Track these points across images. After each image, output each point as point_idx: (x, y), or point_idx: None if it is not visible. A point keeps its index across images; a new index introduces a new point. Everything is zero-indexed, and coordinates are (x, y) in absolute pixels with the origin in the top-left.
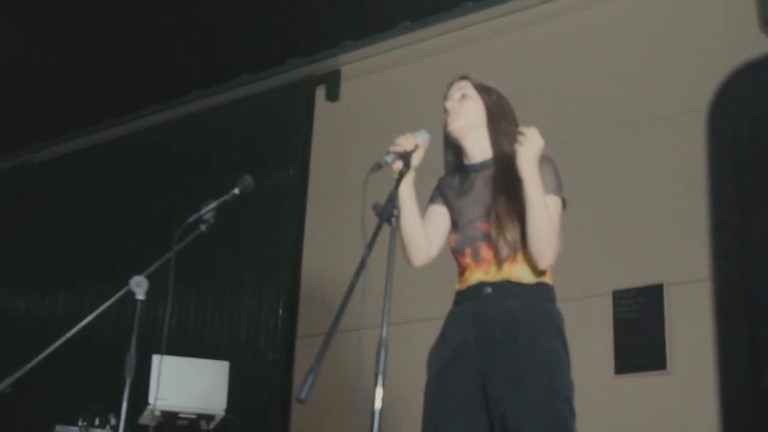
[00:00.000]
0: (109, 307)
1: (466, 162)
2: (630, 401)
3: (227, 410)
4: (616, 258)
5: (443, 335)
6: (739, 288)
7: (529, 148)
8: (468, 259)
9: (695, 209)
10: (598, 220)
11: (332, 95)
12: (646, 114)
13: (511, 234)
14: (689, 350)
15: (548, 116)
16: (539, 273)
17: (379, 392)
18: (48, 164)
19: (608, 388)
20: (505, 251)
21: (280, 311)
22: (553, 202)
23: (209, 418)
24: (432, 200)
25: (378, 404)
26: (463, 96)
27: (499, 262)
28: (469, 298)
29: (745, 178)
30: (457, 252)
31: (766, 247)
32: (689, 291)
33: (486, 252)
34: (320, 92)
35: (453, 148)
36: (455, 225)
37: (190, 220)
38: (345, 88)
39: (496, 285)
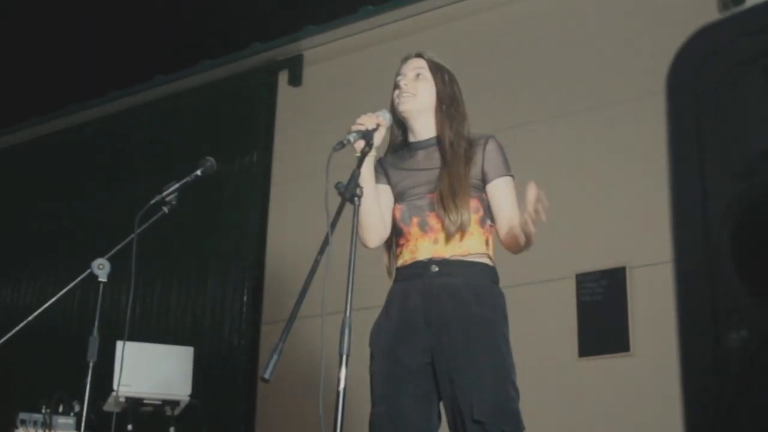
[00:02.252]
0: (73, 293)
1: (412, 139)
2: (594, 383)
3: (192, 396)
4: (578, 241)
5: (387, 311)
6: (698, 253)
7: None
8: (415, 229)
9: (657, 192)
10: (561, 204)
11: (295, 80)
12: (608, 97)
13: (455, 215)
14: (652, 332)
15: (510, 100)
16: (485, 246)
17: (342, 372)
18: (7, 151)
19: (572, 371)
20: (452, 228)
21: (245, 297)
22: (508, 181)
23: (174, 403)
24: (375, 180)
25: (342, 384)
26: (418, 76)
27: (449, 236)
28: (414, 275)
29: (706, 139)
30: (402, 222)
31: (726, 211)
32: (652, 273)
33: (434, 221)
34: (283, 77)
35: (400, 125)
36: (400, 197)
37: (153, 201)
38: (307, 72)
39: (442, 263)
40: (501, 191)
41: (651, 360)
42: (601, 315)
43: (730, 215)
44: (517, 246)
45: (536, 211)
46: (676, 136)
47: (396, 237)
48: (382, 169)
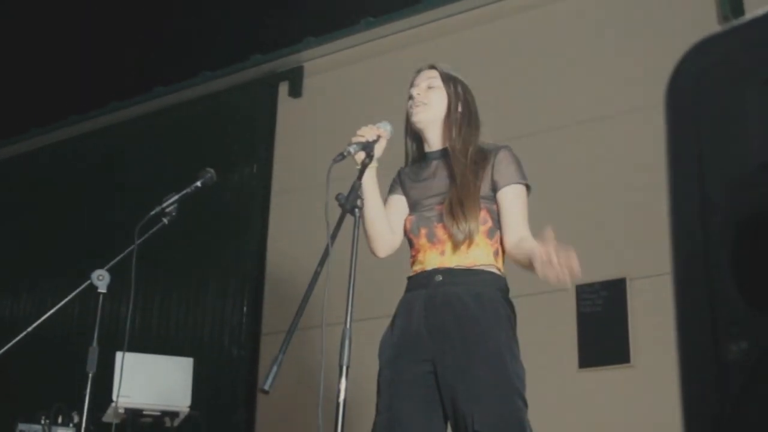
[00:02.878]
0: (73, 305)
1: (427, 149)
2: (594, 395)
3: (192, 407)
4: (578, 252)
5: (394, 323)
6: (699, 262)
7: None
8: (423, 240)
9: (658, 203)
10: (561, 215)
11: (295, 92)
12: (609, 108)
13: (464, 224)
14: (652, 344)
15: (511, 111)
16: (493, 257)
17: (342, 383)
18: (6, 163)
19: (572, 382)
20: (459, 236)
21: (245, 308)
22: (519, 189)
23: (174, 415)
24: (391, 190)
25: (342, 395)
26: (430, 87)
27: (456, 245)
28: (420, 285)
29: (706, 151)
30: (411, 233)
31: (726, 223)
32: (652, 285)
33: (442, 233)
34: (283, 89)
35: (415, 137)
36: (412, 208)
37: (152, 212)
38: (308, 84)
39: (447, 272)
40: (509, 199)
41: (651, 371)
42: (601, 326)
43: (729, 227)
44: (519, 264)
45: (564, 269)
46: (676, 148)
47: (409, 247)
48: (399, 180)
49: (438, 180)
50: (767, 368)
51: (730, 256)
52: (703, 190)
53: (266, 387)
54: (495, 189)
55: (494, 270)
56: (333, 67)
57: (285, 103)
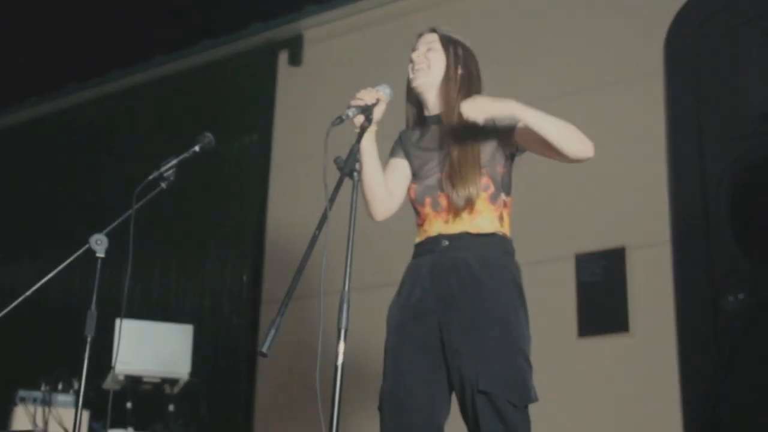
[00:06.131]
0: (73, 273)
1: (426, 114)
2: (593, 363)
3: (191, 374)
4: (578, 221)
5: (401, 289)
6: (696, 211)
7: (471, 104)
8: (428, 209)
9: (657, 172)
10: (560, 184)
11: (295, 60)
12: (607, 77)
13: (462, 190)
14: (651, 313)
15: (512, 79)
16: (498, 223)
17: (341, 346)
18: (8, 131)
19: (571, 351)
20: (459, 203)
21: (245, 276)
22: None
23: (173, 382)
24: (392, 153)
25: (340, 359)
26: (429, 50)
27: (457, 211)
28: (427, 250)
29: (705, 102)
30: (416, 202)
31: (724, 173)
32: (651, 254)
33: (445, 201)
34: (283, 57)
35: (415, 101)
36: (415, 176)
37: (151, 177)
38: (308, 52)
39: (453, 237)
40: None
41: (650, 340)
42: (601, 295)
43: (727, 178)
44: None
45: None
46: (674, 98)
47: (415, 216)
48: (401, 144)
49: (439, 145)
50: (764, 318)
51: (728, 208)
52: (702, 139)
53: (264, 350)
54: (507, 127)
55: (500, 232)
56: (333, 36)
57: (285, 72)
